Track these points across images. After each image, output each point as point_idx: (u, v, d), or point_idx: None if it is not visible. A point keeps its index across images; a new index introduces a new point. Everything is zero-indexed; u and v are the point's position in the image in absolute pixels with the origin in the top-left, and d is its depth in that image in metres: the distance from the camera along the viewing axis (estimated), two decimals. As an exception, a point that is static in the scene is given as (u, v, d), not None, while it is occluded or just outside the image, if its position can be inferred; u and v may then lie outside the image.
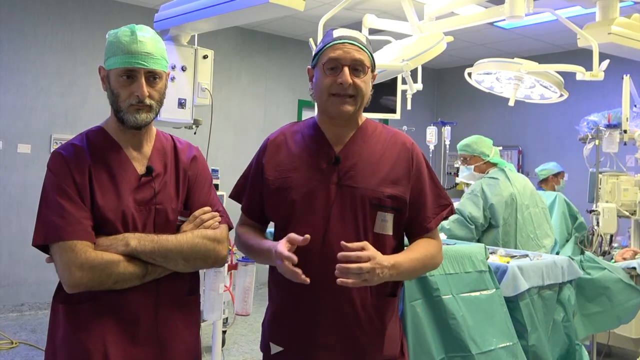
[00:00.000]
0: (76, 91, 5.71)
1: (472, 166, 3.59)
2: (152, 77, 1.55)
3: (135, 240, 1.49)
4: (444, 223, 3.36)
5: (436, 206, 1.70)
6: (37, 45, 5.52)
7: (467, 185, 3.79)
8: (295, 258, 1.47)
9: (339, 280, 1.45)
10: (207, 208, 1.63)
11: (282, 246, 1.49)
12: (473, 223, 3.36)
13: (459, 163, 3.72)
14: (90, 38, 5.72)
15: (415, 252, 1.65)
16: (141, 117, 1.55)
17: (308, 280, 1.47)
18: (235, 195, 1.80)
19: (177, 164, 1.65)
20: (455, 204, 3.51)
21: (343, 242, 1.47)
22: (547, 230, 3.56)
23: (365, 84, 1.62)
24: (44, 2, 5.54)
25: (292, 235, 1.51)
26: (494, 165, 3.57)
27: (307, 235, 1.49)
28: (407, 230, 1.72)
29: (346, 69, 1.58)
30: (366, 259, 1.45)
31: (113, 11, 5.90)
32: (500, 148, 3.76)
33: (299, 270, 1.47)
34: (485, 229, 3.42)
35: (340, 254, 1.46)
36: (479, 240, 3.40)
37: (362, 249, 1.47)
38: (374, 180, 1.62)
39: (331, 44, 1.61)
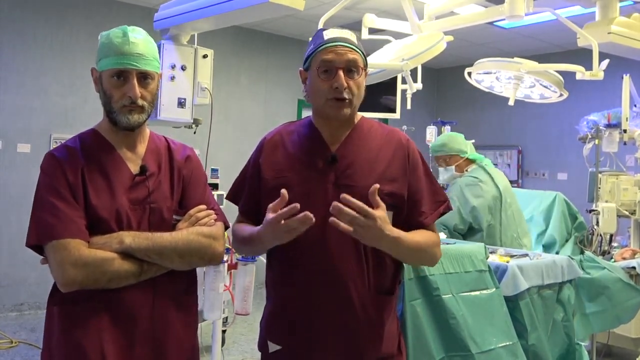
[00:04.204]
0: (76, 91, 5.71)
1: (453, 166, 3.44)
2: (144, 77, 1.56)
3: (130, 237, 1.49)
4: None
5: (433, 202, 1.70)
6: (37, 46, 5.52)
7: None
8: (285, 193, 1.46)
9: (331, 219, 1.41)
10: (202, 206, 1.63)
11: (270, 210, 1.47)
12: (458, 233, 3.21)
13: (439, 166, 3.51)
14: (90, 38, 5.71)
15: (417, 234, 1.63)
16: (134, 118, 1.55)
17: (312, 217, 1.42)
18: (232, 196, 1.79)
19: (172, 163, 1.66)
20: None
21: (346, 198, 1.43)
22: (525, 229, 3.45)
23: (360, 85, 1.62)
24: (43, 2, 5.54)
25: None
26: (472, 161, 3.44)
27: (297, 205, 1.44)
28: (404, 227, 1.69)
29: (341, 72, 1.58)
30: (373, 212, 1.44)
31: (113, 11, 5.90)
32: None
33: (295, 205, 1.42)
34: (468, 233, 3.26)
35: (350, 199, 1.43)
36: None
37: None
38: (371, 178, 1.60)
39: (323, 46, 1.60)
